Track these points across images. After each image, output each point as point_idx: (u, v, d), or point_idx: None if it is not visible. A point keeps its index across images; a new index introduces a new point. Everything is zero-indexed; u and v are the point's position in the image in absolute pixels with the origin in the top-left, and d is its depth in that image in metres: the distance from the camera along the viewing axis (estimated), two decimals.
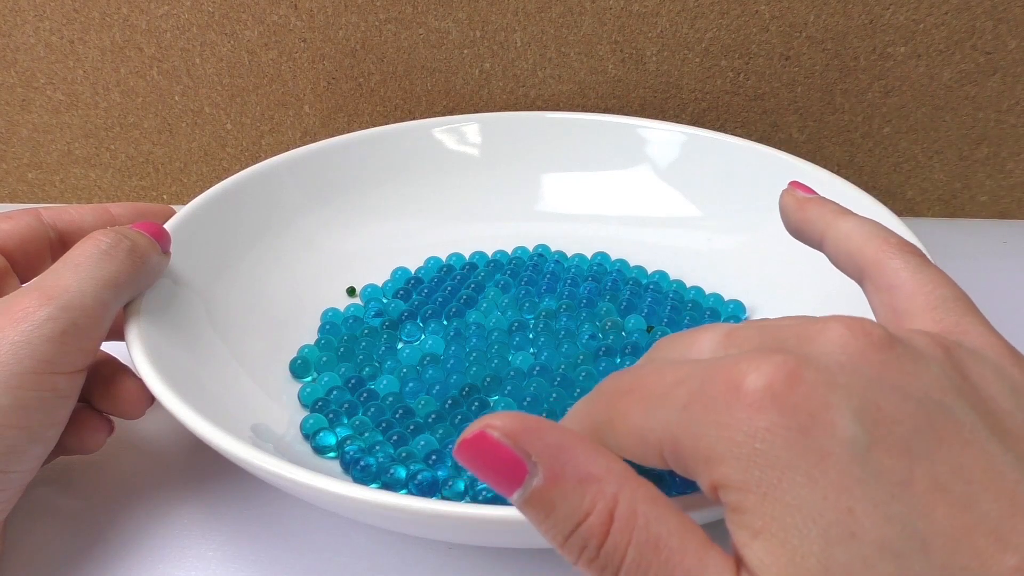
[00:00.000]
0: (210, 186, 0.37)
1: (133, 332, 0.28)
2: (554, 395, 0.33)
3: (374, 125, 0.45)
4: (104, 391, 0.30)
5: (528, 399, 0.33)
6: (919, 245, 0.33)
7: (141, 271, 0.29)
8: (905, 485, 0.16)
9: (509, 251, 0.43)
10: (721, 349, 0.20)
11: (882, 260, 0.23)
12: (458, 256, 0.42)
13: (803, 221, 0.27)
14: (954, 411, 0.17)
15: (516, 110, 0.48)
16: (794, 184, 0.28)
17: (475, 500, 0.28)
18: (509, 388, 0.33)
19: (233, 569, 0.28)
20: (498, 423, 0.18)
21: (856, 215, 0.25)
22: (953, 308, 0.21)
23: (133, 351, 0.28)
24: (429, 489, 0.29)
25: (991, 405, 0.18)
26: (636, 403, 0.19)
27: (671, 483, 0.24)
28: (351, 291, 0.40)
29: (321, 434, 0.31)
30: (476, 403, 0.33)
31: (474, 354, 0.36)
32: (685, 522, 0.18)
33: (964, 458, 0.16)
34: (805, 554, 0.16)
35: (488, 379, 0.34)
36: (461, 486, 0.29)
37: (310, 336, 0.37)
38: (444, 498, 0.29)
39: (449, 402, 0.33)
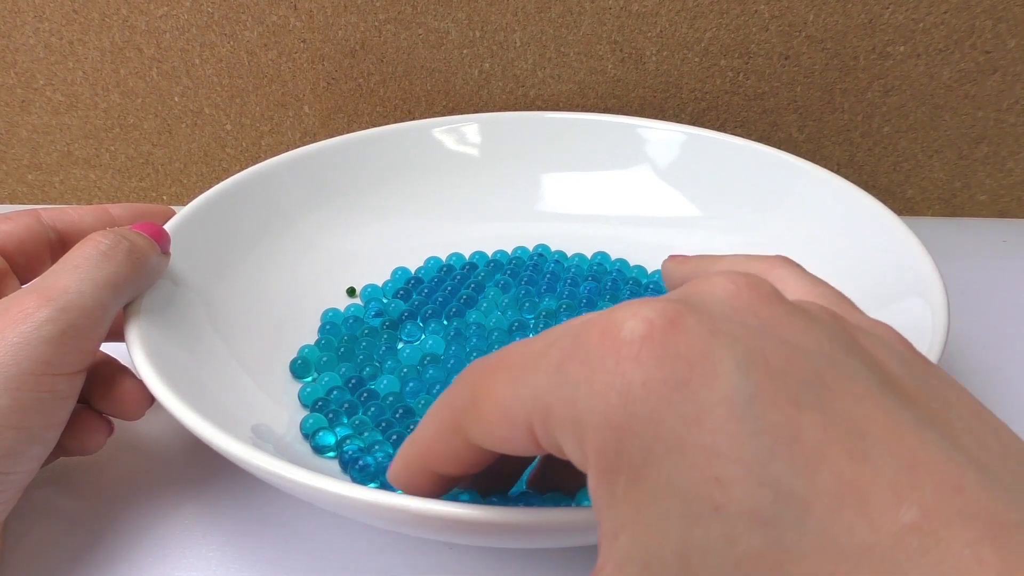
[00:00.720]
0: (210, 187, 0.37)
1: (133, 333, 0.28)
2: None
3: (374, 125, 0.45)
4: (104, 392, 0.30)
5: None
6: (918, 244, 0.33)
7: (140, 272, 0.29)
8: (790, 441, 0.14)
9: (509, 251, 0.43)
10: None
11: (768, 270, 0.23)
12: (458, 256, 0.42)
13: (688, 273, 0.26)
14: (847, 366, 0.16)
15: (516, 110, 0.48)
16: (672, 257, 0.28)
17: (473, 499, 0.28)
18: None
19: (233, 569, 0.28)
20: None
21: (735, 258, 0.24)
22: (835, 300, 0.21)
23: (133, 352, 0.28)
24: None
25: (885, 368, 0.17)
26: (503, 376, 0.18)
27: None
28: (351, 291, 0.40)
29: (320, 434, 0.31)
30: None
31: (474, 354, 0.36)
32: None
33: (858, 411, 0.15)
34: (663, 542, 0.15)
35: None
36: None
37: (310, 336, 0.37)
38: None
39: None
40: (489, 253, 0.42)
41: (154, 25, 0.47)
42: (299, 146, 0.42)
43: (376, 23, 0.46)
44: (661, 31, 0.45)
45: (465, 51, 0.47)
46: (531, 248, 0.43)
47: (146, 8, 0.46)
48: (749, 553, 0.14)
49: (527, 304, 0.39)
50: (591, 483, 0.16)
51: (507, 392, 0.18)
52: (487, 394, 0.18)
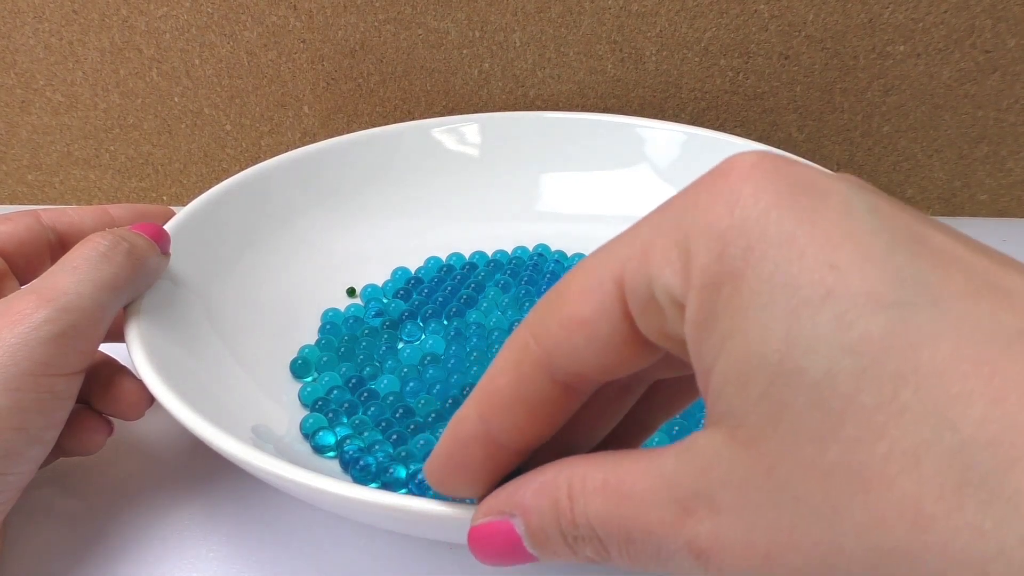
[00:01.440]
0: (210, 187, 0.37)
1: (133, 333, 0.28)
2: None
3: (373, 125, 0.45)
4: (103, 392, 0.30)
5: None
6: None
7: (140, 273, 0.29)
8: (916, 240, 0.13)
9: (509, 251, 0.43)
10: None
11: None
12: (458, 256, 0.42)
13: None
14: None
15: (515, 110, 0.48)
16: None
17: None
18: None
19: (233, 569, 0.28)
20: (476, 518, 0.19)
21: None
22: None
23: (133, 352, 0.28)
24: (428, 488, 0.29)
25: None
26: (587, 260, 0.17)
27: None
28: (351, 292, 0.40)
29: (320, 433, 0.31)
30: None
31: (475, 354, 0.35)
32: (633, 462, 0.16)
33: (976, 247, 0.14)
34: (765, 339, 0.13)
35: None
36: None
37: (310, 336, 0.37)
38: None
39: (450, 401, 0.33)
40: (489, 253, 0.42)
41: (154, 25, 0.47)
42: (299, 146, 0.42)
43: (376, 23, 0.46)
44: (661, 31, 0.45)
45: (465, 51, 0.47)
46: (531, 248, 0.43)
47: (146, 8, 0.46)
48: (867, 337, 0.13)
49: (527, 304, 0.39)
50: (693, 311, 0.15)
51: (593, 262, 0.17)
52: (570, 281, 0.17)
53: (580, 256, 0.42)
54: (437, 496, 0.28)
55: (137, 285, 0.30)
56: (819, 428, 0.13)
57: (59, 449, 0.29)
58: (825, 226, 0.14)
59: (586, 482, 0.17)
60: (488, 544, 0.19)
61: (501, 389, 0.18)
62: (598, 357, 0.17)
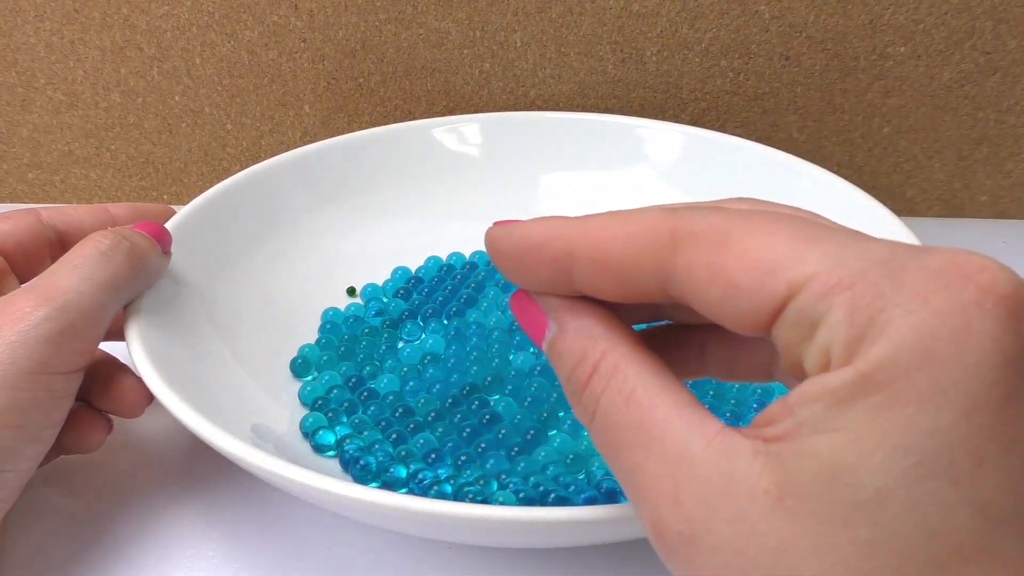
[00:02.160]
0: (210, 186, 0.37)
1: (133, 332, 0.28)
2: (555, 395, 0.33)
3: (374, 125, 0.45)
4: (103, 390, 0.30)
5: (529, 399, 0.33)
6: (919, 245, 0.33)
7: (140, 272, 0.29)
8: None
9: None
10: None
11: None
12: (458, 256, 0.42)
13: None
14: None
15: (516, 110, 0.48)
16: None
17: (460, 498, 0.28)
18: (510, 388, 0.33)
19: (233, 569, 0.28)
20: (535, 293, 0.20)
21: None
22: None
23: (133, 351, 0.28)
24: (429, 489, 0.29)
25: None
26: (789, 231, 0.16)
27: None
28: (351, 291, 0.40)
29: (320, 433, 0.31)
30: (476, 402, 0.33)
31: (475, 353, 0.36)
32: (668, 387, 0.17)
33: None
34: (886, 471, 0.14)
35: (489, 378, 0.34)
36: (448, 489, 0.29)
37: (311, 336, 0.37)
38: (439, 496, 0.29)
39: (449, 401, 0.33)
40: None
41: (155, 24, 0.47)
42: (299, 146, 0.42)
43: (377, 23, 0.46)
44: (661, 31, 0.45)
45: (465, 51, 0.47)
46: None
47: (147, 7, 0.46)
48: (951, 533, 0.14)
49: None
50: (829, 380, 0.15)
51: (786, 246, 0.16)
52: (751, 236, 0.16)
53: None
54: (437, 495, 0.28)
55: (137, 284, 0.30)
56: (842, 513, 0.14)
57: (59, 447, 0.29)
58: (1007, 416, 0.14)
59: (617, 371, 0.18)
60: (521, 313, 0.21)
61: (606, 249, 0.18)
62: (727, 317, 0.17)
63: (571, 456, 0.30)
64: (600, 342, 0.18)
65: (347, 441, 0.31)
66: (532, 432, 0.31)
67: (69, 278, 0.27)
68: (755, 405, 0.32)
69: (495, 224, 0.21)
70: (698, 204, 0.18)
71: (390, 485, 0.29)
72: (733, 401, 0.32)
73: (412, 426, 0.32)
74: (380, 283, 0.41)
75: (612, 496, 0.28)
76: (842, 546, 0.14)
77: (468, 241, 0.43)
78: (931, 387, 0.14)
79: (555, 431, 0.31)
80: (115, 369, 0.30)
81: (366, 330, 0.37)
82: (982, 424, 0.14)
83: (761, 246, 0.16)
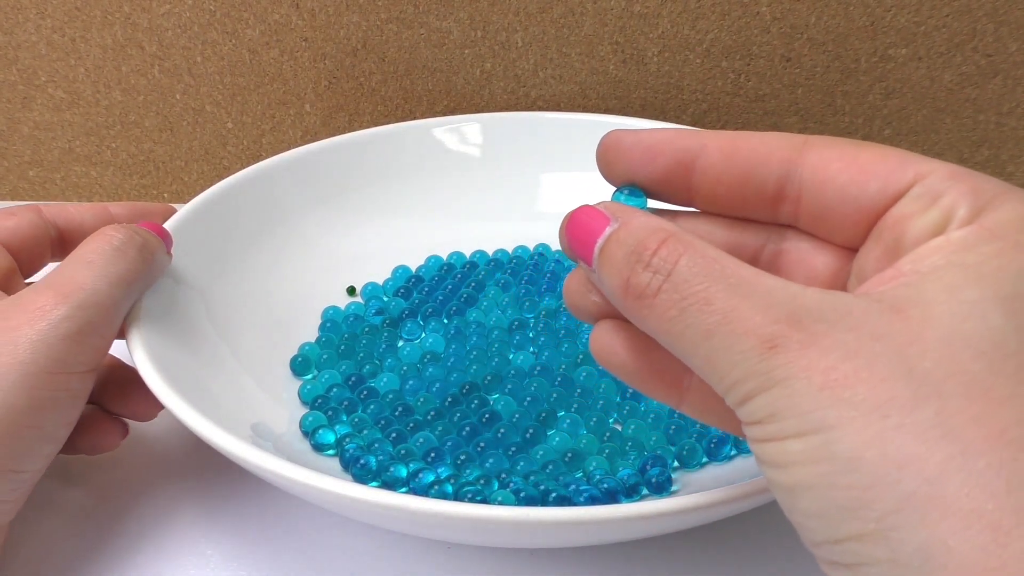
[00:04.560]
0: (211, 185, 0.37)
1: (134, 332, 0.28)
2: (554, 394, 0.33)
3: (375, 125, 0.45)
4: (118, 395, 0.30)
5: (528, 398, 0.33)
6: None
7: (150, 269, 0.29)
8: None
9: (510, 250, 0.43)
10: None
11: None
12: (459, 255, 0.42)
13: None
14: None
15: (517, 110, 0.48)
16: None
17: (460, 498, 0.28)
18: (509, 387, 0.33)
19: (233, 568, 0.28)
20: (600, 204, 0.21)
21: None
22: None
23: (134, 349, 0.28)
24: (429, 488, 0.29)
25: None
26: (895, 149, 0.19)
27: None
28: (351, 291, 0.40)
29: (320, 432, 0.31)
30: (476, 401, 0.33)
31: (475, 352, 0.36)
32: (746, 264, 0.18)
33: None
34: (989, 326, 0.16)
35: (488, 377, 0.34)
36: (448, 488, 0.29)
37: (311, 335, 0.37)
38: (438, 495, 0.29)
39: (449, 400, 0.33)
40: (490, 252, 0.42)
41: (156, 23, 0.47)
42: (300, 145, 0.42)
43: (378, 22, 0.46)
44: (663, 32, 0.45)
45: (467, 51, 0.47)
46: (532, 247, 0.43)
47: (148, 6, 0.46)
48: None
49: (527, 303, 0.39)
50: (954, 237, 0.17)
51: (904, 150, 0.19)
52: (870, 144, 0.19)
53: None
54: (437, 495, 0.28)
55: (147, 281, 0.30)
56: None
57: (72, 447, 0.29)
58: None
59: (693, 244, 0.18)
60: (577, 222, 0.21)
61: (738, 146, 0.21)
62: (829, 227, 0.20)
63: (570, 455, 0.30)
64: (666, 227, 0.19)
65: (347, 440, 0.31)
66: (531, 431, 0.31)
67: (85, 274, 0.27)
68: None
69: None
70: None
71: (390, 484, 0.29)
72: None
73: (412, 425, 0.32)
74: (380, 282, 0.41)
75: (612, 496, 0.28)
76: (982, 331, 0.15)
77: (469, 240, 0.43)
78: None
79: (554, 430, 0.31)
80: (128, 373, 0.30)
81: (366, 329, 0.37)
82: None
83: (891, 150, 0.19)
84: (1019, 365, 0.15)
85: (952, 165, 0.18)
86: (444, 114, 0.49)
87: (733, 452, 0.30)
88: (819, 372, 0.15)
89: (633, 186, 0.22)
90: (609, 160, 0.22)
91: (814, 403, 0.15)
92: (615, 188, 0.22)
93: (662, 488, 0.28)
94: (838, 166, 0.19)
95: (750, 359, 0.16)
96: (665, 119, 0.47)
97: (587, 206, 0.20)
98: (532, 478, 0.29)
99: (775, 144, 0.20)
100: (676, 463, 0.30)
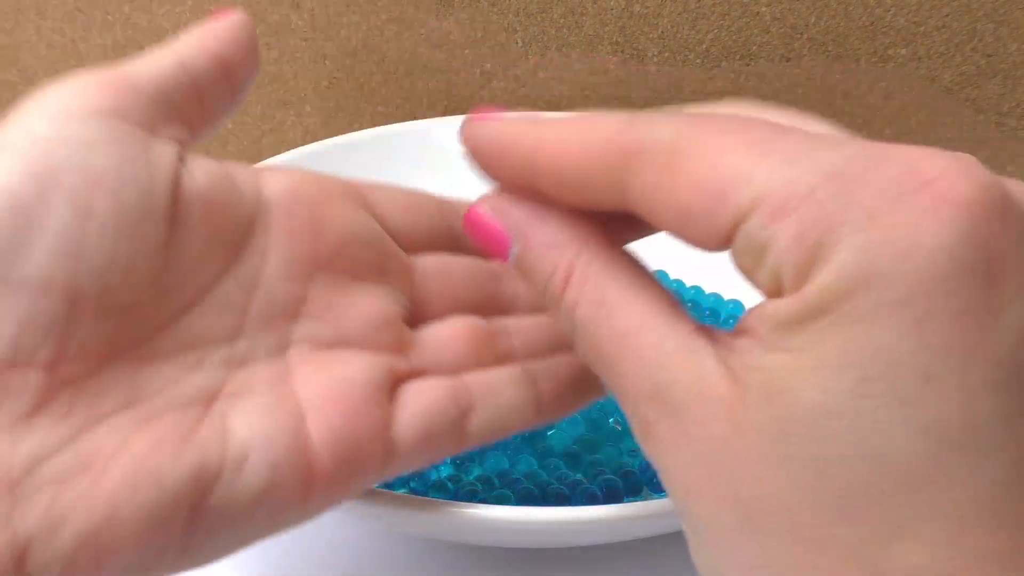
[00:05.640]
0: None
1: None
2: None
3: (375, 125, 0.45)
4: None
5: None
6: None
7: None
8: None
9: None
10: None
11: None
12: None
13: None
14: None
15: (517, 111, 0.48)
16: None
17: (460, 497, 0.28)
18: None
19: (232, 567, 0.28)
20: (485, 204, 0.19)
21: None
22: None
23: None
24: (429, 488, 0.29)
25: None
26: (743, 144, 0.15)
27: None
28: None
29: None
30: None
31: None
32: (639, 286, 0.17)
33: None
34: (827, 389, 0.13)
35: None
36: (449, 488, 0.29)
37: None
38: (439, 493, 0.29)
39: None
40: None
41: (156, 23, 0.47)
42: (300, 145, 0.42)
43: (378, 23, 0.46)
44: (663, 32, 0.45)
45: (467, 51, 0.47)
46: None
47: (148, 6, 0.46)
48: (897, 456, 0.13)
49: None
50: (783, 304, 0.14)
51: (737, 163, 0.14)
52: (703, 152, 0.15)
53: None
54: (437, 495, 0.28)
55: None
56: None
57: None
58: (960, 331, 0.13)
59: (587, 279, 0.17)
60: (478, 233, 0.19)
61: (565, 157, 0.17)
62: (686, 231, 0.16)
63: (569, 453, 0.30)
64: (567, 250, 0.17)
65: None
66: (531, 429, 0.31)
67: None
68: None
69: (472, 115, 0.20)
70: (655, 114, 0.17)
71: (390, 484, 0.29)
72: None
73: None
74: None
75: (613, 495, 0.28)
76: (795, 468, 0.14)
77: None
78: (875, 306, 0.13)
79: (553, 430, 0.31)
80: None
81: None
82: (932, 340, 0.13)
83: (709, 165, 0.15)
84: (837, 497, 0.13)
85: (780, 178, 0.14)
86: (444, 114, 0.49)
87: None
88: (675, 478, 0.16)
89: None
90: (469, 157, 0.20)
91: (679, 504, 0.16)
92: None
93: (662, 488, 0.28)
94: (659, 200, 0.16)
95: (634, 426, 0.17)
96: None
97: (480, 216, 0.19)
98: (532, 478, 0.29)
99: (597, 165, 0.16)
100: None
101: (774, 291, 0.15)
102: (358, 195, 0.23)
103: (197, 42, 0.20)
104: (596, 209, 0.17)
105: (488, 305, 0.23)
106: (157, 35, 0.47)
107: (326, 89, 0.48)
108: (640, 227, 0.18)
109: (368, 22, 0.46)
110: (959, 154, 0.15)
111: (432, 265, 0.23)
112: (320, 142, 0.42)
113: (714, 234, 0.15)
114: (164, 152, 0.18)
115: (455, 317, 0.22)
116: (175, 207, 0.18)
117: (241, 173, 0.20)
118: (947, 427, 0.13)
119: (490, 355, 0.22)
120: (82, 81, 0.19)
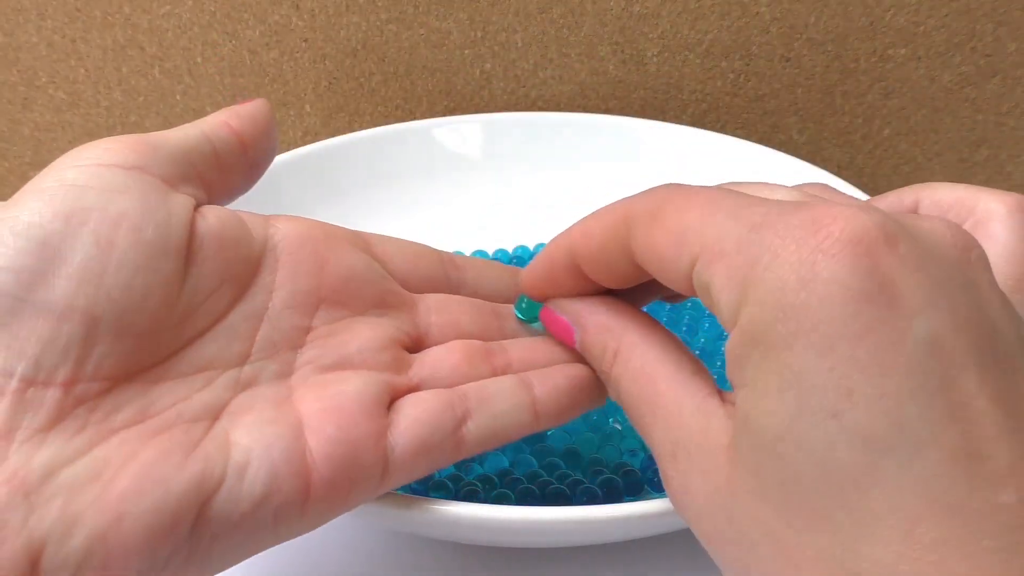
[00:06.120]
0: None
1: None
2: None
3: (375, 125, 0.45)
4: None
5: None
6: None
7: None
8: (944, 388, 0.15)
9: (510, 250, 0.43)
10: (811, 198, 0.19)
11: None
12: (459, 254, 0.42)
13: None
14: (1016, 342, 0.16)
15: (517, 111, 0.48)
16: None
17: (460, 497, 0.28)
18: None
19: (232, 567, 0.28)
20: (554, 303, 0.23)
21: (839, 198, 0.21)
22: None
23: None
24: (430, 488, 0.29)
25: None
26: (697, 204, 0.18)
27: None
28: None
29: None
30: None
31: None
32: (669, 357, 0.20)
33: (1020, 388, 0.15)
34: (770, 418, 0.15)
35: None
36: (450, 487, 0.29)
37: None
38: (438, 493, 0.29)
39: None
40: (490, 252, 0.43)
41: (156, 24, 0.47)
42: (300, 145, 0.42)
43: (378, 23, 0.46)
44: (662, 32, 0.45)
45: (467, 51, 0.47)
46: (532, 247, 0.43)
47: (148, 6, 0.46)
48: (841, 465, 0.15)
49: None
50: (731, 341, 0.17)
51: (693, 219, 0.18)
52: (673, 211, 0.18)
53: None
54: (437, 495, 0.28)
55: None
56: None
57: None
58: (868, 347, 0.15)
59: (628, 353, 0.21)
60: (553, 328, 0.23)
61: (590, 239, 0.21)
62: (665, 276, 0.19)
63: (569, 453, 0.30)
64: (615, 332, 0.21)
65: None
66: None
67: None
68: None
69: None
70: (657, 186, 0.20)
71: None
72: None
73: None
74: None
75: (613, 495, 0.28)
76: (768, 489, 0.16)
77: (468, 240, 0.43)
78: (792, 333, 0.15)
79: (552, 430, 0.31)
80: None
81: None
82: (845, 357, 0.15)
83: (677, 219, 0.18)
84: (802, 511, 0.15)
85: (719, 229, 0.17)
86: (444, 114, 0.49)
87: None
88: (698, 520, 0.18)
89: (528, 304, 0.25)
90: (530, 293, 0.24)
91: (705, 546, 0.18)
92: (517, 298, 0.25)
93: (663, 487, 0.28)
94: (646, 251, 0.19)
95: (664, 478, 0.19)
96: (665, 119, 0.47)
97: (553, 314, 0.23)
98: (532, 478, 0.29)
99: (610, 238, 0.20)
100: None
101: (728, 326, 0.17)
102: (362, 241, 0.25)
103: (221, 119, 0.23)
104: (627, 283, 0.21)
105: (489, 337, 0.24)
106: (157, 35, 0.47)
107: (326, 89, 0.48)
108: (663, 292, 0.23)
109: (368, 22, 0.46)
110: (859, 201, 0.18)
111: (434, 301, 0.24)
112: (320, 142, 0.42)
113: (681, 277, 0.18)
114: (181, 200, 0.20)
115: (454, 341, 0.23)
116: (190, 244, 0.20)
117: (252, 218, 0.22)
118: (876, 434, 0.14)
119: (487, 368, 0.23)
120: (111, 140, 0.21)
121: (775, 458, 0.15)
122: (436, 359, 0.23)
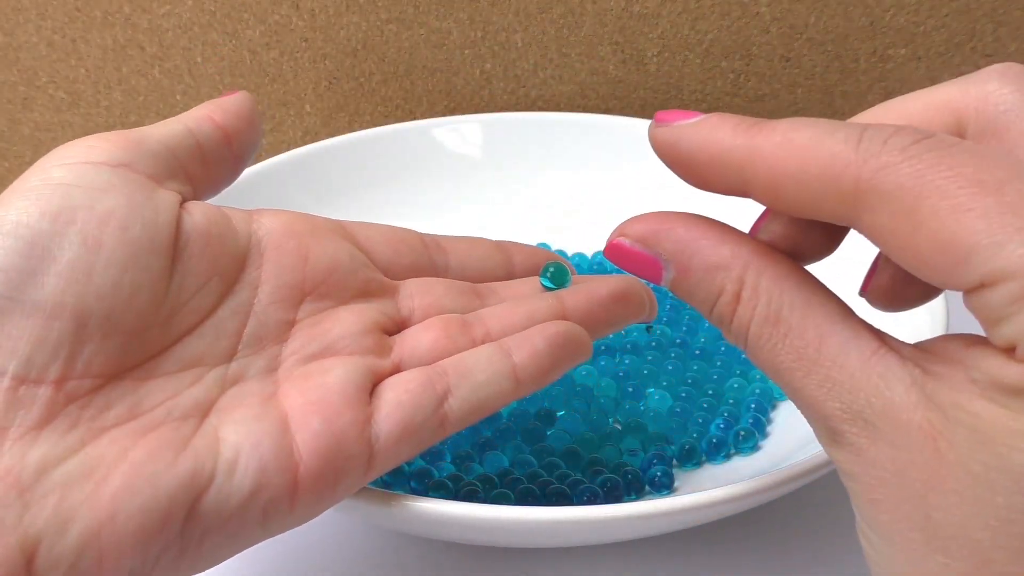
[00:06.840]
0: None
1: None
2: (553, 393, 0.33)
3: (375, 125, 0.45)
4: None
5: (527, 397, 0.33)
6: None
7: None
8: None
9: None
10: None
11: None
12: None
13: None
14: None
15: (517, 111, 0.48)
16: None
17: (460, 497, 0.28)
18: None
19: (233, 568, 0.28)
20: (629, 231, 0.19)
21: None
22: None
23: None
24: (430, 488, 0.29)
25: None
26: (991, 205, 0.14)
27: None
28: None
29: None
30: None
31: None
32: (814, 299, 0.17)
33: None
34: None
35: None
36: (450, 487, 0.29)
37: None
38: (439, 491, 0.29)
39: None
40: None
41: (156, 23, 0.47)
42: (300, 145, 0.42)
43: (378, 23, 0.46)
44: (663, 32, 0.45)
45: (467, 51, 0.47)
46: None
47: (148, 6, 0.46)
48: None
49: None
50: (1014, 375, 0.14)
51: (985, 227, 0.14)
52: (947, 208, 0.14)
53: (581, 256, 0.42)
54: (437, 495, 0.28)
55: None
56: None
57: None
58: None
59: (758, 295, 0.17)
60: (625, 263, 0.19)
61: (786, 165, 0.16)
62: (921, 270, 0.16)
63: (569, 453, 0.30)
64: (733, 269, 0.17)
65: None
66: (535, 423, 0.31)
67: None
68: (752, 404, 0.32)
69: (658, 122, 0.19)
70: (886, 137, 0.15)
71: (390, 484, 0.29)
72: (732, 401, 0.32)
73: None
74: None
75: (613, 494, 0.28)
76: (988, 503, 0.14)
77: None
78: None
79: (552, 429, 0.31)
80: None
81: None
82: None
83: (955, 226, 0.14)
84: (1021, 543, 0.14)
85: None
86: (444, 114, 0.49)
87: (732, 451, 0.30)
88: (865, 488, 0.16)
89: (558, 267, 0.24)
90: (665, 164, 0.20)
91: (861, 510, 0.16)
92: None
93: (663, 487, 0.29)
94: (894, 244, 0.15)
95: (817, 432, 0.17)
96: None
97: (624, 247, 0.19)
98: (532, 478, 0.29)
99: (821, 191, 0.16)
100: (675, 462, 0.30)
101: (1004, 349, 0.15)
102: (344, 231, 0.25)
103: (204, 112, 0.23)
104: (810, 222, 0.18)
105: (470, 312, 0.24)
106: (157, 35, 0.47)
107: (326, 89, 0.48)
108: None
109: (368, 22, 0.46)
110: None
111: (415, 285, 0.24)
112: (320, 142, 0.42)
113: (949, 283, 0.15)
114: (167, 196, 0.20)
115: (432, 317, 0.23)
116: (176, 242, 0.20)
117: (236, 214, 0.22)
118: None
119: (466, 340, 0.23)
120: (95, 138, 0.21)
121: (1019, 491, 0.14)
122: (415, 337, 0.23)
